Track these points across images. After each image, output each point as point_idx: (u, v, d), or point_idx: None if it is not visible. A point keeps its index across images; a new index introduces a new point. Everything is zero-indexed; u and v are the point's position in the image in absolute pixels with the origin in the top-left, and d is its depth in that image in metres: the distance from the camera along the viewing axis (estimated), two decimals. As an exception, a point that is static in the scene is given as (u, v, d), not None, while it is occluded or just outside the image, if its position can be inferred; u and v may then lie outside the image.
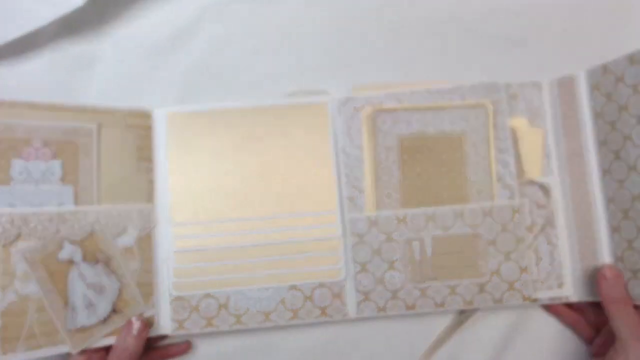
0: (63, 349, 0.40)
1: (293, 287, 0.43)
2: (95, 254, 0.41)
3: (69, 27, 0.48)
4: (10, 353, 0.38)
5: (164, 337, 0.44)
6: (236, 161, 0.44)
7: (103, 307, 0.41)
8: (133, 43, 0.49)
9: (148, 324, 0.42)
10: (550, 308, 0.44)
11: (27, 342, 0.39)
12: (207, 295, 0.43)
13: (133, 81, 0.48)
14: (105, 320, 0.41)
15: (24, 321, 0.39)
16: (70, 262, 0.41)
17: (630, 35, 0.47)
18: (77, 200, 0.42)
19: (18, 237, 0.40)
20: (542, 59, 0.47)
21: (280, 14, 0.49)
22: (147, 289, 0.42)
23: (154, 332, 0.42)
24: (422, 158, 0.44)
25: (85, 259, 0.41)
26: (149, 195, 0.43)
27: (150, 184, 0.44)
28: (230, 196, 0.44)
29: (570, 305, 0.43)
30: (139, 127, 0.44)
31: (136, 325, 0.41)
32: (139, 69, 0.48)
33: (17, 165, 0.40)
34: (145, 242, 0.43)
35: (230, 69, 0.48)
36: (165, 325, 0.42)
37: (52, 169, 0.41)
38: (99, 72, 0.48)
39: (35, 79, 0.47)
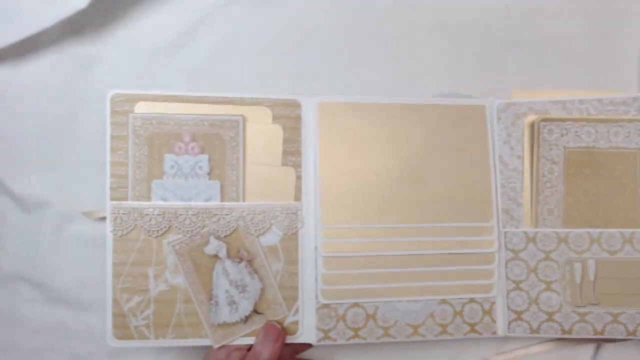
0: (206, 341, 0.40)
1: (443, 301, 0.42)
2: (239, 252, 0.40)
3: (72, 28, 0.48)
4: (161, 338, 0.40)
5: (307, 345, 0.43)
6: (389, 161, 0.42)
7: (244, 307, 0.40)
8: (135, 45, 0.49)
9: (285, 331, 0.41)
10: None
11: (175, 330, 0.40)
12: (355, 305, 0.41)
13: (135, 82, 0.47)
14: (246, 320, 0.40)
15: (173, 310, 0.40)
16: (216, 257, 0.40)
17: (629, 36, 0.48)
18: (223, 196, 0.40)
19: (168, 229, 0.39)
20: (541, 59, 0.48)
21: (281, 16, 0.49)
22: (291, 292, 0.41)
23: (297, 340, 0.41)
24: (590, 174, 0.43)
25: (229, 255, 0.40)
26: (296, 192, 0.42)
27: (297, 180, 0.42)
28: (382, 199, 0.42)
29: None
30: (286, 118, 0.42)
31: (273, 331, 0.40)
32: (141, 71, 0.48)
33: (169, 160, 0.40)
34: (290, 243, 0.41)
35: (232, 70, 0.48)
36: (309, 333, 0.41)
37: (201, 164, 0.40)
38: (101, 73, 0.48)
39: (37, 79, 0.48)
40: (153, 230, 0.39)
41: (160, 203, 0.39)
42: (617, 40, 0.47)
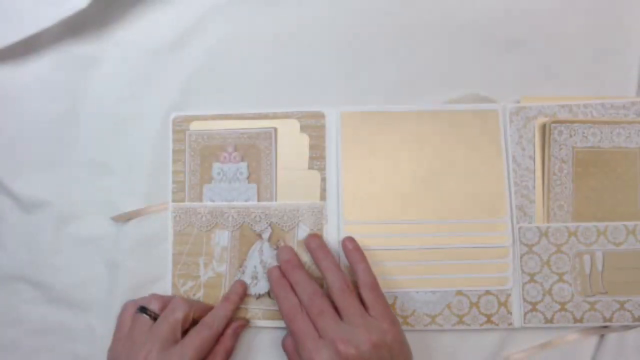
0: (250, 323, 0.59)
1: (459, 293, 0.58)
2: (278, 240, 0.60)
3: (72, 28, 0.62)
4: None
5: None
6: (407, 163, 0.60)
7: (262, 286, 0.60)
8: (135, 45, 0.63)
9: (244, 325, 0.59)
10: None
11: None
12: (376, 294, 0.59)
13: (135, 83, 0.63)
14: (258, 297, 0.59)
15: (218, 294, 0.60)
16: (259, 236, 0.60)
17: (626, 37, 0.62)
18: (259, 197, 0.61)
19: (215, 225, 0.60)
20: (540, 60, 0.62)
21: (282, 16, 0.63)
22: (318, 281, 0.58)
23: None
24: (596, 172, 0.58)
25: (269, 240, 0.60)
26: (321, 192, 0.60)
27: (322, 181, 0.61)
28: (401, 198, 0.60)
29: None
30: (312, 127, 0.61)
31: (234, 325, 0.57)
32: (141, 71, 0.63)
33: (216, 167, 0.61)
34: (317, 238, 0.60)
35: (232, 71, 0.63)
36: (335, 319, 0.59)
37: (241, 170, 0.61)
38: (101, 73, 0.63)
39: (38, 80, 0.63)
40: (203, 226, 0.60)
41: (210, 203, 0.60)
42: (617, 41, 0.62)
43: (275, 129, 0.61)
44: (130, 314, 0.56)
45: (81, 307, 0.61)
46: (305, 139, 0.61)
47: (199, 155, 0.62)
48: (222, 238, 0.60)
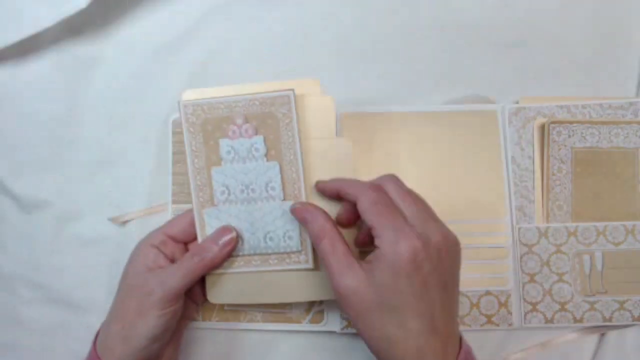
0: (246, 325, 0.61)
1: (460, 293, 0.60)
2: None
3: (72, 28, 0.65)
4: (207, 320, 0.61)
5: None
6: (407, 164, 0.63)
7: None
8: (135, 45, 0.66)
9: (237, 240, 0.54)
10: None
11: (219, 314, 0.61)
12: (376, 294, 0.61)
13: (135, 83, 0.65)
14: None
15: None
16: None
17: (626, 37, 0.66)
18: (283, 177, 0.54)
19: None
20: (540, 60, 0.65)
21: (281, 16, 0.66)
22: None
23: (322, 328, 0.61)
24: (595, 172, 0.61)
25: None
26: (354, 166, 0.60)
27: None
28: (401, 200, 0.62)
29: None
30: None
31: (226, 237, 0.53)
32: (141, 71, 0.66)
33: (224, 145, 0.53)
34: (318, 239, 0.61)
35: (232, 71, 0.65)
36: (334, 322, 0.61)
37: (256, 146, 0.53)
38: (101, 73, 0.66)
39: (38, 80, 0.65)
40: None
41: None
42: (617, 41, 0.65)
43: (293, 91, 0.53)
44: None
45: (81, 307, 0.63)
46: (329, 101, 0.55)
47: (200, 130, 0.53)
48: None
